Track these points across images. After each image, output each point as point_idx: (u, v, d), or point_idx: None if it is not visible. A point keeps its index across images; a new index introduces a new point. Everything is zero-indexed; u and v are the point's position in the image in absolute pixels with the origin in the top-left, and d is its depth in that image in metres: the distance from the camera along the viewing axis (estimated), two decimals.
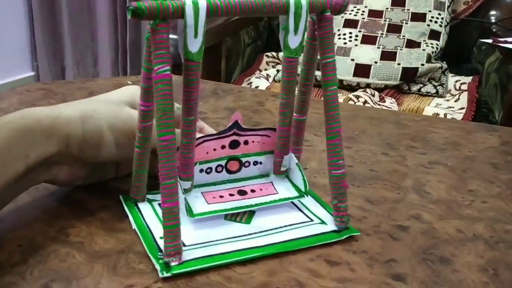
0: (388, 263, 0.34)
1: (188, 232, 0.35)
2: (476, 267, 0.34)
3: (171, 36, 1.19)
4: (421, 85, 1.25)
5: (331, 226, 0.37)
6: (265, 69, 1.43)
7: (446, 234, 0.38)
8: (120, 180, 0.42)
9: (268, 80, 1.32)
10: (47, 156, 0.33)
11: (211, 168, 0.39)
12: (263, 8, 0.33)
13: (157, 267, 0.31)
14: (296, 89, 0.40)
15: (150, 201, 0.39)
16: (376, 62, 1.27)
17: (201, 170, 0.39)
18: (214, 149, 0.39)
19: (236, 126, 0.39)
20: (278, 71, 1.35)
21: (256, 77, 1.31)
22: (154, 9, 0.30)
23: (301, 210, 0.39)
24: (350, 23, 1.36)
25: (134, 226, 0.36)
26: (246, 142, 0.40)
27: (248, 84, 1.24)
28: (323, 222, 0.38)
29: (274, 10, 0.34)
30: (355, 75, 1.26)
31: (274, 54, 1.53)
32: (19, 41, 2.60)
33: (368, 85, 1.25)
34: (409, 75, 1.26)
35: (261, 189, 0.40)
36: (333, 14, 0.36)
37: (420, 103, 1.18)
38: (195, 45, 0.32)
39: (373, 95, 1.12)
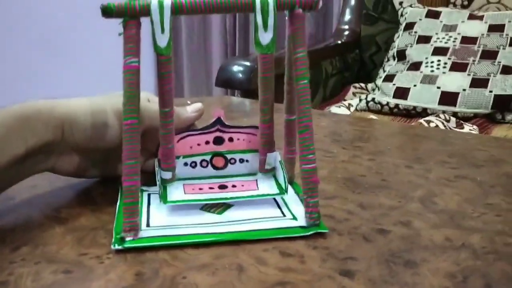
0: (345, 260, 0.32)
1: (160, 216, 0.37)
2: (443, 273, 0.31)
3: (244, 62, 1.25)
4: None
5: (301, 222, 0.36)
6: (351, 99, 1.42)
7: (430, 241, 0.35)
8: None
9: (349, 109, 1.31)
10: (45, 143, 0.38)
11: (195, 163, 0.41)
12: (227, 6, 0.35)
13: (112, 240, 0.34)
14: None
15: (142, 191, 0.42)
16: (464, 90, 1.19)
17: (185, 164, 0.41)
18: (198, 144, 0.41)
19: (219, 123, 0.41)
20: (360, 100, 1.33)
21: (336, 106, 1.30)
22: (122, 8, 0.34)
23: (279, 207, 0.39)
24: (439, 51, 1.30)
25: (117, 209, 0.39)
26: (231, 139, 0.41)
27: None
28: (294, 218, 0.37)
29: (240, 8, 0.35)
30: (440, 103, 1.19)
31: (363, 85, 1.51)
32: (146, 78, 2.90)
33: (455, 114, 1.17)
34: (503, 103, 1.15)
35: (242, 185, 0.41)
36: (306, 11, 0.36)
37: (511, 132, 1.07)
38: (163, 40, 0.35)
39: (448, 121, 1.04)
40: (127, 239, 0.33)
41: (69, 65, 2.33)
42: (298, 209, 0.39)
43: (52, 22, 2.35)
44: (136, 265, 0.31)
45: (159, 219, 0.37)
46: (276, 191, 0.40)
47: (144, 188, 0.42)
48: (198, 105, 0.45)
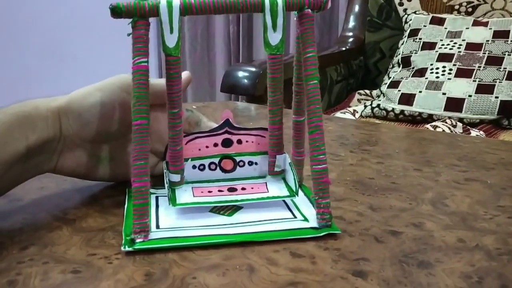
0: (357, 261, 0.32)
1: (169, 218, 0.37)
2: (458, 273, 0.30)
3: (249, 68, 1.25)
4: None
5: (312, 223, 0.36)
6: (356, 106, 1.42)
7: (443, 242, 0.34)
8: None
9: (354, 115, 1.30)
10: (46, 139, 0.38)
11: (204, 165, 0.41)
12: (237, 6, 0.35)
13: (123, 242, 0.33)
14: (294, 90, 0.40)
15: (150, 193, 0.41)
16: (470, 96, 1.18)
17: (194, 167, 0.40)
18: (207, 146, 0.40)
19: (227, 125, 0.40)
20: (365, 106, 1.32)
21: (341, 112, 1.30)
22: (131, 8, 0.34)
23: (289, 209, 0.39)
24: (444, 57, 1.30)
25: (125, 210, 0.38)
26: (239, 141, 0.41)
27: None
28: (305, 220, 0.37)
29: (249, 8, 0.35)
30: (446, 109, 1.19)
31: (367, 91, 1.51)
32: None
33: (461, 120, 1.17)
34: (509, 108, 1.15)
35: (252, 188, 0.40)
36: (314, 11, 0.36)
37: None
38: (171, 40, 0.35)
39: (455, 126, 1.04)
40: (137, 240, 0.33)
41: (73, 72, 2.34)
42: (308, 210, 0.38)
43: (56, 30, 2.36)
44: (145, 266, 0.31)
45: (169, 221, 0.36)
46: (287, 193, 0.39)
47: (152, 190, 0.42)
48: (185, 73, 0.42)
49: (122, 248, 0.33)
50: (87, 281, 0.29)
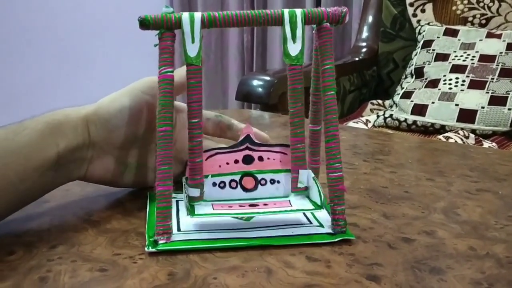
0: (371, 265, 0.33)
1: (190, 221, 0.38)
2: (469, 279, 0.31)
3: (263, 77, 1.26)
4: None
5: (327, 229, 0.37)
6: (368, 115, 1.43)
7: (454, 250, 0.36)
8: None
9: (367, 125, 1.31)
10: (76, 147, 0.39)
11: (224, 183, 0.40)
12: (258, 19, 0.36)
13: (146, 243, 0.35)
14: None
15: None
16: (483, 107, 1.19)
17: (214, 184, 0.39)
18: (227, 163, 0.40)
19: (248, 141, 0.40)
20: (378, 116, 1.33)
21: (354, 122, 1.31)
22: (158, 20, 0.35)
23: (305, 215, 0.40)
24: (457, 69, 1.30)
25: (147, 213, 0.40)
26: (261, 158, 0.40)
27: None
28: (321, 225, 0.38)
29: (270, 21, 0.37)
30: (458, 120, 1.19)
31: (380, 101, 1.52)
32: None
33: (473, 131, 1.17)
34: None
35: (274, 204, 0.39)
36: (333, 25, 0.38)
37: None
38: (193, 50, 0.36)
39: (467, 137, 1.05)
40: (160, 242, 0.35)
41: (90, 78, 2.38)
42: (323, 216, 0.39)
43: (73, 36, 2.40)
44: (168, 266, 0.32)
45: (189, 224, 0.38)
46: (311, 206, 0.38)
47: (173, 194, 0.43)
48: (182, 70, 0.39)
49: (146, 249, 0.34)
50: (114, 278, 0.31)
